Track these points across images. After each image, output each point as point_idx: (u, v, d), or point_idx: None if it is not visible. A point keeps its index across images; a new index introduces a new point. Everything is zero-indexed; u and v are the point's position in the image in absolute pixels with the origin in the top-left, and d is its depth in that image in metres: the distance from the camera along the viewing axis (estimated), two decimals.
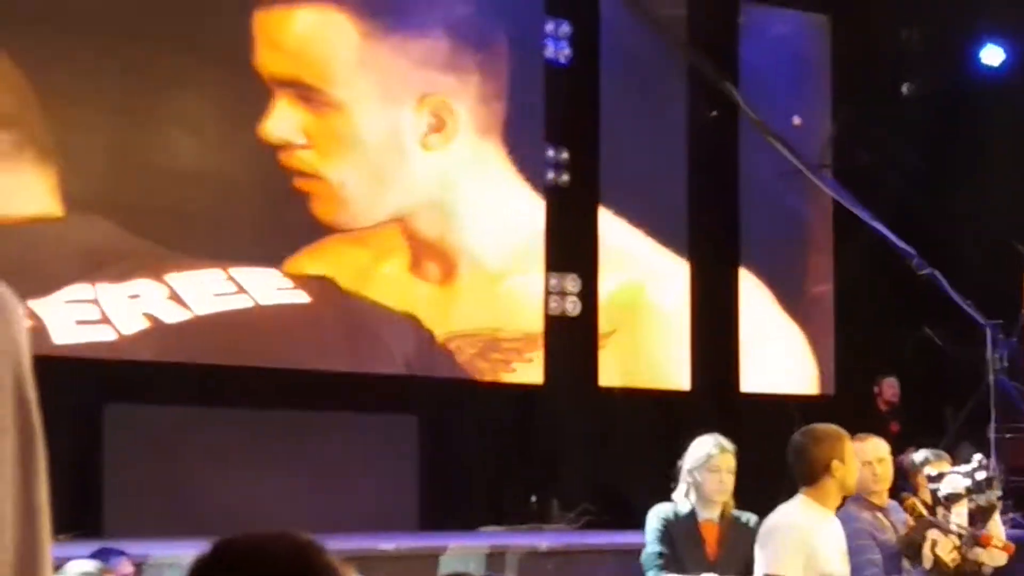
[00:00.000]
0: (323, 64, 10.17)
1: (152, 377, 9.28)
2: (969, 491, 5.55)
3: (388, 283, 10.39)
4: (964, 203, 11.50)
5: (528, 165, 11.01)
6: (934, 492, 5.69)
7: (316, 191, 10.06)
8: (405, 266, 10.50)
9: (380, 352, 10.34)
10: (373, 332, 10.33)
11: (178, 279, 9.41)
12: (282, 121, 9.88)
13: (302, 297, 9.91)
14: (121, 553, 5.96)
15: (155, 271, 9.32)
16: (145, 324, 9.25)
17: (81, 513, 8.36)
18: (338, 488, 9.63)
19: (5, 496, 1.81)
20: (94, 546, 6.10)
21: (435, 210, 10.61)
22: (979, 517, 5.58)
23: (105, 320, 9.12)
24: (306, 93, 10.01)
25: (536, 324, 11.01)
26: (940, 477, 5.71)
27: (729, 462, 6.11)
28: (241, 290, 9.67)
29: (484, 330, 10.80)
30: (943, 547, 5.44)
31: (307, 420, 9.77)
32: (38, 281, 8.66)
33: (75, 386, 8.52)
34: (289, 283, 9.86)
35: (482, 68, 10.80)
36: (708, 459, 6.09)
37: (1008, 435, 10.18)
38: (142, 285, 9.27)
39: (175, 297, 9.39)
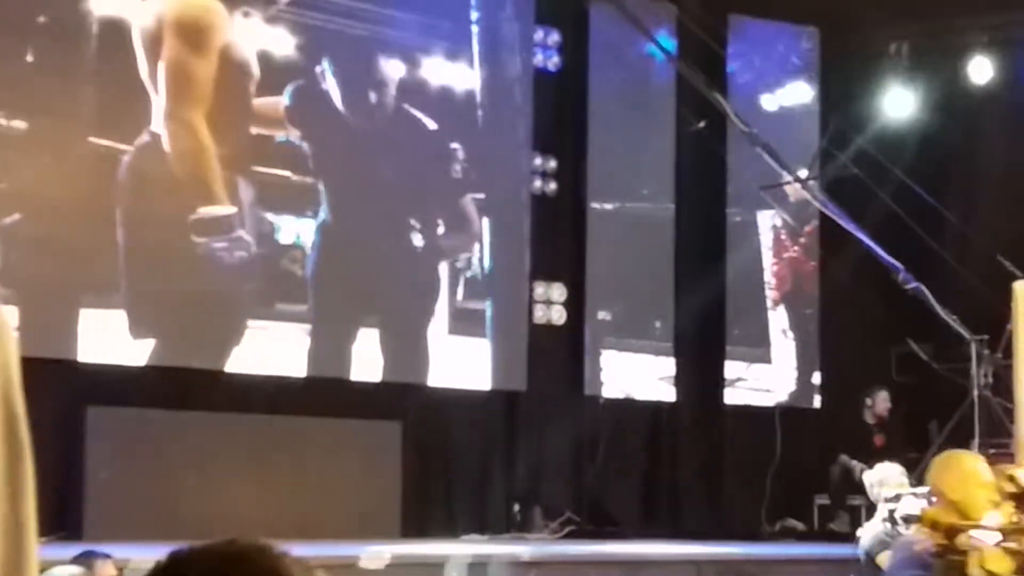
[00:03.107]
0: None
1: (133, 380, 9.23)
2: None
3: None
4: (951, 217, 11.50)
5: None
6: (891, 512, 5.71)
7: None
8: None
9: (362, 362, 10.28)
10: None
11: None
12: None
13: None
14: (106, 556, 5.90)
15: None
16: None
17: (62, 515, 8.32)
18: (320, 494, 9.59)
19: None
20: (75, 549, 6.05)
21: None
22: None
23: None
24: None
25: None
26: (897, 498, 5.75)
27: None
28: None
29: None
30: (994, 560, 4.65)
31: (290, 425, 9.72)
32: None
33: (56, 389, 8.48)
34: None
35: None
36: None
37: (992, 451, 10.16)
38: None
39: None
